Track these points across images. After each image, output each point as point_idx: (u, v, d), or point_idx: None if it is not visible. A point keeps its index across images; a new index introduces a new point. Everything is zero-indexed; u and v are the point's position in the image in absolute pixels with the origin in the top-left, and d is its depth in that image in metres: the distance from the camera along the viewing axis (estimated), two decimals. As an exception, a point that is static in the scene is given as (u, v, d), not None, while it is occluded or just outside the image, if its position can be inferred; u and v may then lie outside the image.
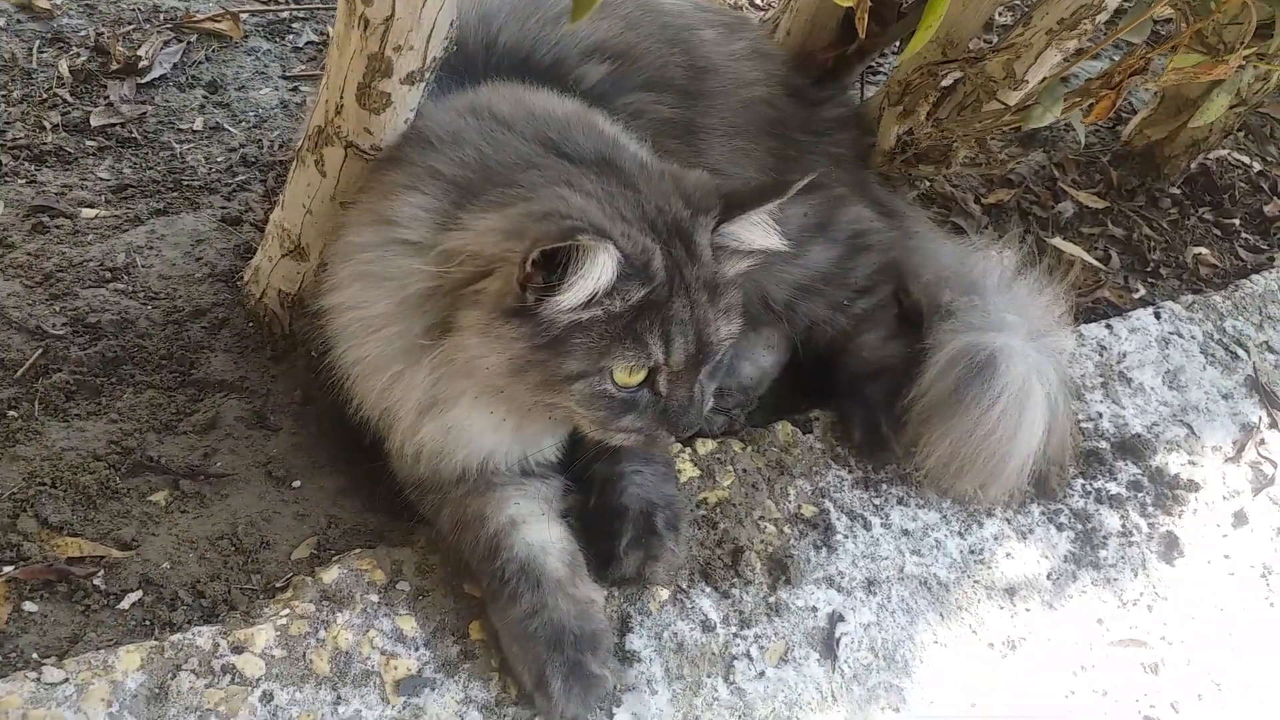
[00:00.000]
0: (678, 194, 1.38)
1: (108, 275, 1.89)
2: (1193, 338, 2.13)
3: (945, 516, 1.75)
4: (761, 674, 1.51)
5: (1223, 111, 1.85)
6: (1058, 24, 1.69)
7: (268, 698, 1.35)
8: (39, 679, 1.30)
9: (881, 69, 2.76)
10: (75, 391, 1.70)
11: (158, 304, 1.86)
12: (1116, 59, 1.93)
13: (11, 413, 1.65)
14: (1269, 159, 2.82)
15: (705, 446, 1.75)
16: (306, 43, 2.57)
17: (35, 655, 1.37)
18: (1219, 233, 2.56)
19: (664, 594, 1.54)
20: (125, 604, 1.45)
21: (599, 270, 1.24)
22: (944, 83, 1.83)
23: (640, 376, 1.36)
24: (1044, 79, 1.73)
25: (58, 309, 1.82)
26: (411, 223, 1.36)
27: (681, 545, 1.57)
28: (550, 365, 1.31)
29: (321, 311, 1.49)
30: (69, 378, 1.71)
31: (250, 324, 1.83)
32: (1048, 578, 1.72)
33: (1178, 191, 2.61)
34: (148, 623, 1.44)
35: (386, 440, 1.52)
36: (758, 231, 1.41)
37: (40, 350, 1.74)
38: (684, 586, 1.56)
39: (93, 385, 1.71)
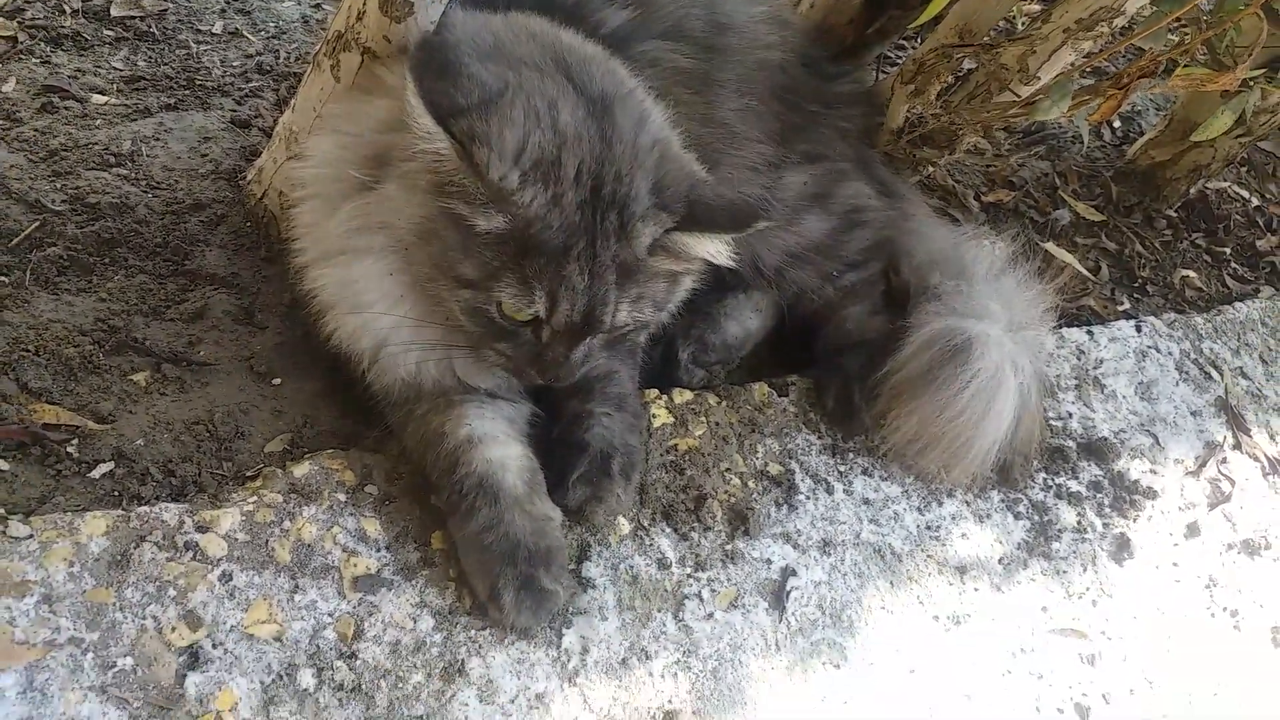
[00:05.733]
0: (653, 177, 1.37)
1: (112, 160, 1.91)
2: (1169, 354, 2.16)
3: (907, 491, 1.78)
4: (710, 615, 1.54)
5: (1225, 128, 1.88)
6: (1075, 23, 1.72)
7: (227, 578, 1.37)
8: (4, 532, 1.33)
9: (897, 60, 2.78)
10: (68, 267, 1.72)
11: (158, 193, 1.87)
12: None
13: (3, 279, 1.67)
14: (1268, 196, 2.86)
15: (682, 396, 1.78)
16: (336, -39, 2.59)
17: (2, 510, 1.39)
18: (1209, 259, 2.59)
19: (625, 528, 1.57)
20: (96, 473, 1.48)
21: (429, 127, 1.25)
22: (958, 68, 1.85)
23: (526, 318, 1.36)
24: (1056, 76, 1.76)
25: (59, 186, 1.83)
26: (398, 81, 1.35)
27: (629, 496, 1.59)
28: (451, 253, 1.32)
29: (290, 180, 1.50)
30: (63, 253, 1.73)
31: (248, 223, 1.85)
32: (999, 561, 1.75)
33: (1174, 214, 2.64)
34: (116, 493, 1.46)
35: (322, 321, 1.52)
36: (709, 248, 1.42)
37: (37, 223, 1.76)
38: (645, 524, 1.59)
39: (85, 263, 1.73)
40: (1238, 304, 2.36)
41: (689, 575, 1.56)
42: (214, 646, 1.32)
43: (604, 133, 1.36)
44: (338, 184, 1.40)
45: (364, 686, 1.35)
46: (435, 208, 1.31)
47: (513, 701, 1.39)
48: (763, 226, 1.42)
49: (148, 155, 1.94)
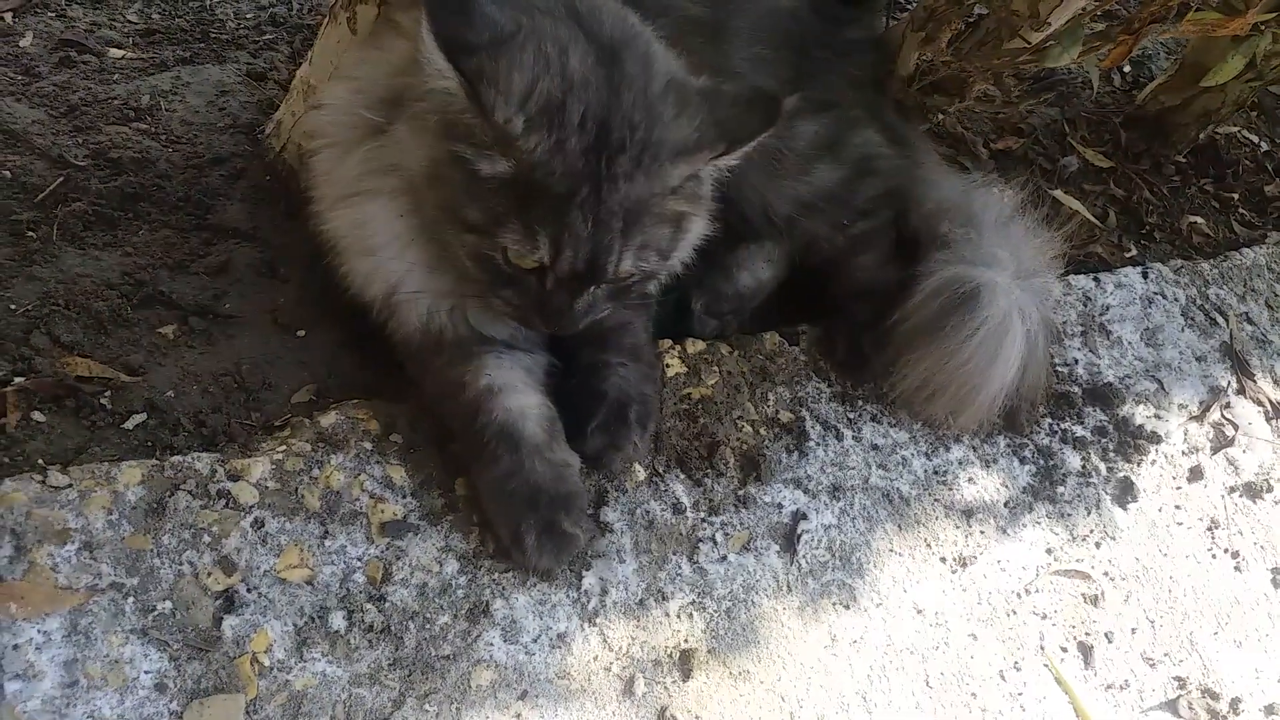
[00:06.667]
0: (678, 117, 1.37)
1: (131, 114, 1.93)
2: (1175, 300, 2.19)
3: (914, 437, 1.82)
4: (724, 558, 1.59)
5: (1236, 72, 1.88)
6: (1087, -31, 1.72)
7: (259, 524, 1.42)
8: (44, 482, 1.37)
9: (909, 5, 2.76)
10: (93, 222, 1.76)
11: (178, 148, 1.90)
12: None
13: (30, 234, 1.71)
14: (1278, 140, 2.85)
15: (695, 346, 1.81)
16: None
17: (41, 461, 1.45)
18: (1217, 205, 2.60)
19: (641, 475, 1.62)
20: (130, 424, 1.52)
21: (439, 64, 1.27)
22: (969, 14, 1.85)
23: (530, 265, 1.38)
24: (1067, 21, 1.76)
25: (80, 141, 1.86)
26: (413, 24, 1.34)
27: (645, 444, 1.62)
28: (457, 197, 1.34)
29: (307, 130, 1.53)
30: (88, 208, 1.76)
31: (267, 177, 1.88)
32: (1005, 505, 1.80)
33: (1183, 160, 2.64)
34: (150, 444, 1.51)
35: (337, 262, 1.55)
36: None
37: (61, 179, 1.79)
38: (660, 471, 1.64)
39: (110, 218, 1.77)
40: (1244, 250, 2.37)
41: (703, 519, 1.61)
42: (248, 590, 1.37)
43: (611, 79, 1.36)
44: (352, 129, 1.42)
45: (393, 628, 1.40)
46: (443, 150, 1.33)
47: (535, 641, 1.45)
48: (791, 107, 1.43)
49: (166, 109, 1.96)
